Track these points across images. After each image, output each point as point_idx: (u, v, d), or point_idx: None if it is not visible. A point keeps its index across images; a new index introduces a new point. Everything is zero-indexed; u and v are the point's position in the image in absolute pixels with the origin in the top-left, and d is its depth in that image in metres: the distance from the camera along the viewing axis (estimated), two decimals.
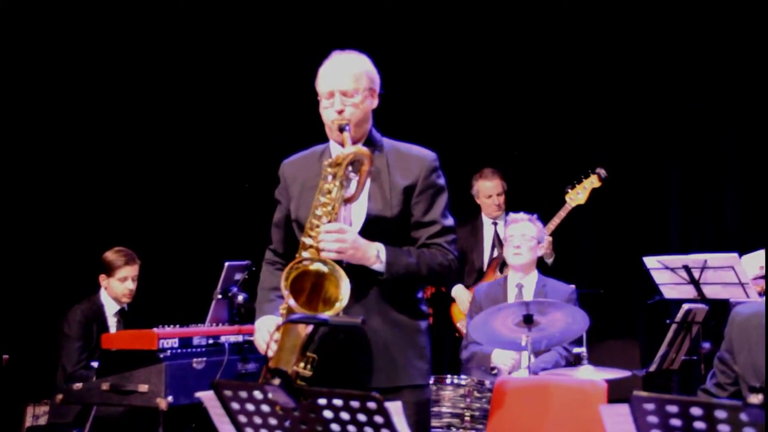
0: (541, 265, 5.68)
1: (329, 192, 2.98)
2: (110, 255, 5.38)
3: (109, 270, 5.34)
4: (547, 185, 6.49)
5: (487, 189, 6.30)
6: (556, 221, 6.02)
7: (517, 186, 6.51)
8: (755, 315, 2.92)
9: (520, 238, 5.24)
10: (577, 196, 6.04)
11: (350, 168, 3.00)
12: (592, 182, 6.04)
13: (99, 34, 6.65)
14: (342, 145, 3.06)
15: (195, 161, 7.14)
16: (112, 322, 5.35)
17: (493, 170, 6.35)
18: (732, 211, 6.50)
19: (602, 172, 6.03)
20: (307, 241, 2.98)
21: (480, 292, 5.40)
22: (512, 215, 5.42)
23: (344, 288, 2.86)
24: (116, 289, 5.35)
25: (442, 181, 3.17)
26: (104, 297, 5.38)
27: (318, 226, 2.96)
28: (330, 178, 2.98)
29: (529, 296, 5.15)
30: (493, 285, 5.41)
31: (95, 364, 4.83)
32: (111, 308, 5.37)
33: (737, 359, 2.91)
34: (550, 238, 5.97)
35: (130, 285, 5.36)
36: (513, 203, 6.25)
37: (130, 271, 5.36)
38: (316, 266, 2.92)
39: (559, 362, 5.00)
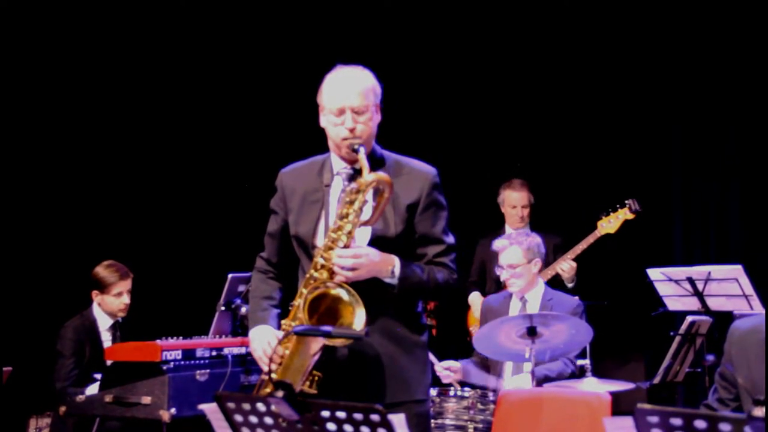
0: (561, 285, 5.75)
1: (346, 216, 2.98)
2: (102, 271, 5.32)
3: (103, 286, 5.30)
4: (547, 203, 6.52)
5: (513, 199, 6.31)
6: (582, 246, 5.98)
7: (543, 204, 6.49)
8: (754, 330, 2.89)
9: (508, 271, 5.16)
10: (609, 224, 5.98)
11: (369, 193, 3.00)
12: (625, 213, 5.96)
13: (94, 46, 6.66)
14: (351, 163, 3.07)
15: (198, 172, 7.14)
16: (106, 337, 5.31)
17: (522, 182, 6.33)
18: (735, 222, 6.49)
19: (633, 204, 5.96)
20: (320, 261, 2.99)
21: (486, 304, 5.39)
22: (495, 243, 5.30)
23: (359, 318, 2.87)
24: (111, 304, 5.31)
25: (443, 198, 3.18)
26: (97, 312, 5.34)
27: (332, 248, 2.97)
28: (348, 202, 2.98)
29: (533, 310, 5.11)
30: (499, 298, 5.39)
31: (98, 376, 4.82)
32: (104, 323, 5.33)
33: (738, 375, 2.89)
34: (574, 264, 5.96)
35: (126, 300, 5.32)
36: (539, 222, 6.30)
37: (125, 285, 5.32)
38: (337, 291, 2.93)
39: (563, 372, 4.96)
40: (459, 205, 6.91)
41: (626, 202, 5.98)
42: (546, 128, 7.01)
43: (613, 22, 6.66)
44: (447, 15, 6.92)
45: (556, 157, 6.99)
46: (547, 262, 6.12)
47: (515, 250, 5.16)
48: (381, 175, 2.97)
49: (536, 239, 5.31)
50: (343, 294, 2.92)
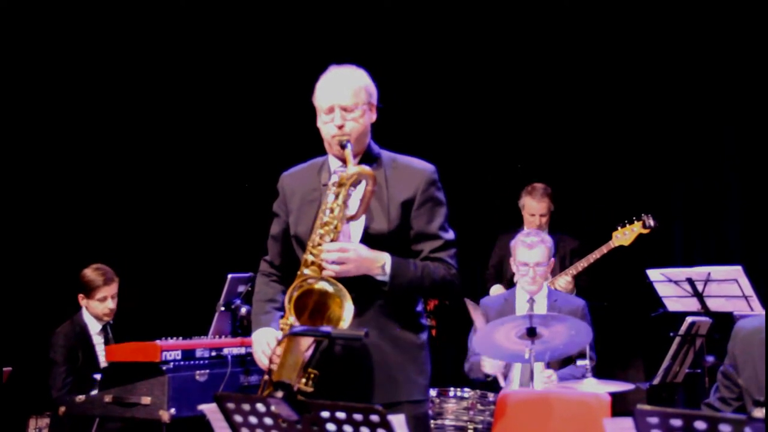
0: None
1: (332, 210, 2.98)
2: (89, 274, 5.27)
3: (88, 290, 5.26)
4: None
5: (532, 208, 6.27)
6: (596, 255, 5.95)
7: (561, 207, 6.47)
8: (759, 329, 2.89)
9: (534, 269, 5.10)
10: (624, 236, 5.95)
11: (353, 187, 3.00)
12: (640, 228, 5.93)
13: (93, 47, 6.65)
14: (343, 161, 3.06)
15: (198, 173, 7.15)
16: (98, 341, 5.29)
17: (544, 190, 6.27)
18: (735, 222, 6.49)
19: (648, 219, 5.92)
20: (309, 257, 2.99)
21: (485, 305, 5.36)
22: (522, 238, 5.17)
23: (347, 309, 2.87)
24: (96, 308, 5.27)
25: (441, 194, 3.17)
26: (86, 316, 5.30)
27: (320, 244, 2.97)
28: (333, 197, 2.99)
29: (541, 310, 5.09)
30: (500, 299, 5.36)
31: (98, 377, 4.82)
32: (94, 327, 5.31)
33: (741, 374, 2.89)
34: (570, 279, 5.93)
35: (110, 304, 5.28)
36: (556, 225, 6.30)
37: (109, 290, 5.27)
38: (321, 285, 2.93)
39: (582, 372, 4.93)
40: (478, 201, 7.01)
41: (642, 217, 5.96)
42: (557, 131, 7.01)
43: (619, 26, 6.67)
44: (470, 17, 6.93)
45: (570, 160, 6.98)
46: (563, 266, 6.12)
47: (543, 249, 5.12)
48: (363, 167, 2.98)
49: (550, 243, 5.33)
50: (327, 287, 2.92)
